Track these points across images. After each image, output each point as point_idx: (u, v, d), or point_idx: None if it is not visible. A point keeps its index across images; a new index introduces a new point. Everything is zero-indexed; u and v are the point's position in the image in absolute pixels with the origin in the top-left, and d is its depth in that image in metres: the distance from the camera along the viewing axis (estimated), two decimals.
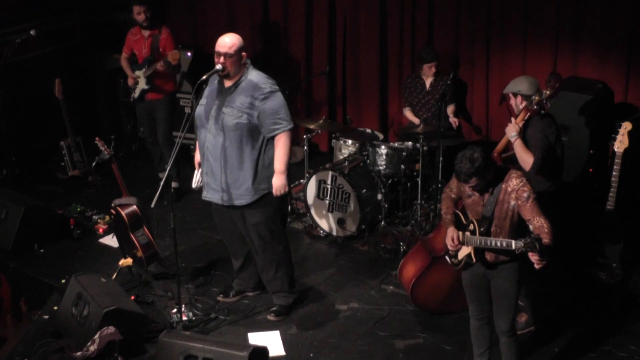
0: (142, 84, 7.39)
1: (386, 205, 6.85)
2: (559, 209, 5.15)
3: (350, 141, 7.28)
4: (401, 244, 6.54)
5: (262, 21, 8.70)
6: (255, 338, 5.52)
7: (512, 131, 5.13)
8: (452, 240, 4.55)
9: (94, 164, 7.04)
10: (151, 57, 7.31)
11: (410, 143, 6.85)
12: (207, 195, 5.58)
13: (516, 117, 5.19)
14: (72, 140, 8.02)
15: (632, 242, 5.85)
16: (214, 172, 5.44)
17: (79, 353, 5.14)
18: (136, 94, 7.48)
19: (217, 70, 5.29)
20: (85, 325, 5.25)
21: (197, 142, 5.64)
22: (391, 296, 6.06)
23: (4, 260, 6.65)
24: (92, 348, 5.09)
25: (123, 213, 6.13)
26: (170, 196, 6.10)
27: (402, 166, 6.83)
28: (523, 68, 7.22)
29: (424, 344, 5.47)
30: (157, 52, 7.32)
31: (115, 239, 6.51)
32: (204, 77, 5.31)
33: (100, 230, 7.05)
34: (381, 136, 7.52)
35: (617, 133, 5.65)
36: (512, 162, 5.16)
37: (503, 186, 4.42)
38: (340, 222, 6.87)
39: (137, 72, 7.40)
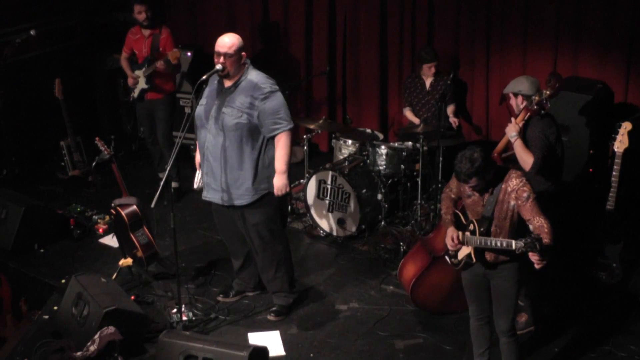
0: (142, 84, 7.39)
1: (386, 205, 6.84)
2: (559, 209, 5.15)
3: (350, 141, 7.28)
4: (401, 244, 6.54)
5: (262, 21, 8.70)
6: (255, 338, 5.51)
7: (512, 131, 5.13)
8: (452, 240, 4.55)
9: (94, 164, 7.03)
10: (151, 57, 7.31)
11: (410, 143, 6.85)
12: (207, 195, 5.58)
13: (516, 117, 5.19)
14: (72, 140, 8.01)
15: (632, 242, 5.84)
16: (214, 172, 5.44)
17: (79, 353, 5.14)
18: (135, 93, 7.47)
19: (217, 70, 5.29)
20: (85, 325, 5.25)
21: (197, 142, 5.64)
22: (391, 296, 6.06)
23: (4, 260, 6.65)
24: (92, 348, 5.09)
25: (123, 213, 6.13)
26: (170, 196, 6.11)
27: (402, 166, 6.83)
28: (523, 68, 7.21)
29: (424, 344, 5.47)
30: (157, 51, 7.32)
31: (115, 239, 6.51)
32: (204, 77, 5.30)
33: (100, 230, 7.04)
34: (381, 136, 7.51)
35: (617, 133, 5.64)
36: (512, 162, 5.16)
37: (503, 186, 4.42)
38: (340, 222, 6.87)
39: (137, 72, 7.40)
